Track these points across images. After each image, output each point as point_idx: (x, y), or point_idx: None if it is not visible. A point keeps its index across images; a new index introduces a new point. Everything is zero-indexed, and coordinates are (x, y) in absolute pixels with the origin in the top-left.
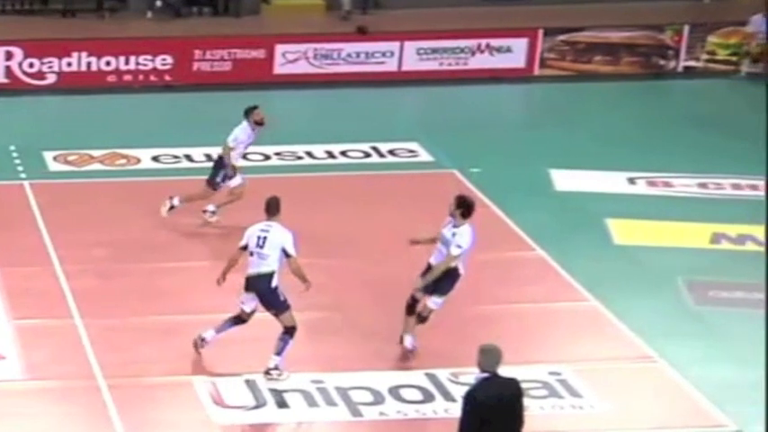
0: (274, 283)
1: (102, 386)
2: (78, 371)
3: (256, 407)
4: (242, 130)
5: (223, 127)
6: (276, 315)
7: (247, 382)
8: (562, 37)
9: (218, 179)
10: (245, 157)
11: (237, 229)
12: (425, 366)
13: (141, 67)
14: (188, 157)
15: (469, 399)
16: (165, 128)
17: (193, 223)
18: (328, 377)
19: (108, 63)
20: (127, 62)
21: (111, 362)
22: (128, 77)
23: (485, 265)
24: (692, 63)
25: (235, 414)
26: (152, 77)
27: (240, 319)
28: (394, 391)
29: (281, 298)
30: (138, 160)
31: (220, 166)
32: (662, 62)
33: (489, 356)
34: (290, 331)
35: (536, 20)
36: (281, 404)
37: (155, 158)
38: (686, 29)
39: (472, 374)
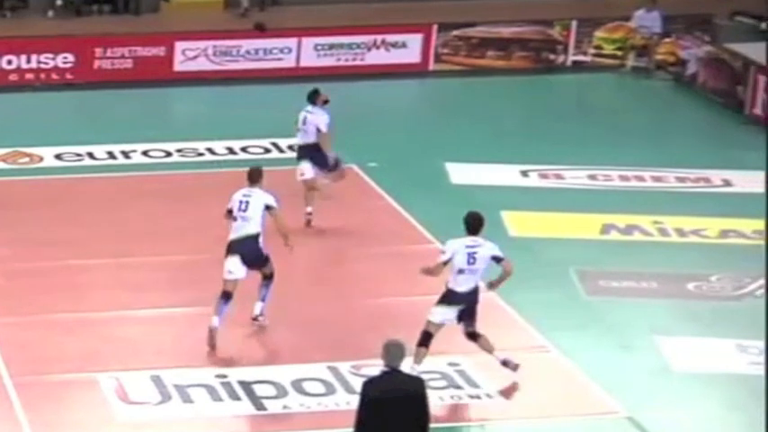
0: (260, 243)
1: (7, 384)
2: None
3: (161, 402)
4: (322, 114)
5: (125, 124)
6: (259, 269)
7: (152, 377)
8: (455, 32)
9: (331, 163)
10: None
11: (140, 231)
12: (327, 359)
13: (43, 66)
14: (90, 155)
15: (361, 390)
16: (68, 126)
17: (97, 221)
18: (232, 372)
19: (9, 62)
20: (28, 60)
21: (16, 360)
22: (29, 76)
23: (383, 258)
24: (580, 57)
25: (140, 410)
26: (54, 76)
27: (228, 295)
28: (297, 385)
29: (264, 253)
30: (41, 158)
31: (321, 155)
32: (552, 57)
33: (389, 352)
34: (270, 277)
35: (430, 15)
36: (186, 399)
37: (57, 156)
38: (574, 24)
39: (373, 366)
